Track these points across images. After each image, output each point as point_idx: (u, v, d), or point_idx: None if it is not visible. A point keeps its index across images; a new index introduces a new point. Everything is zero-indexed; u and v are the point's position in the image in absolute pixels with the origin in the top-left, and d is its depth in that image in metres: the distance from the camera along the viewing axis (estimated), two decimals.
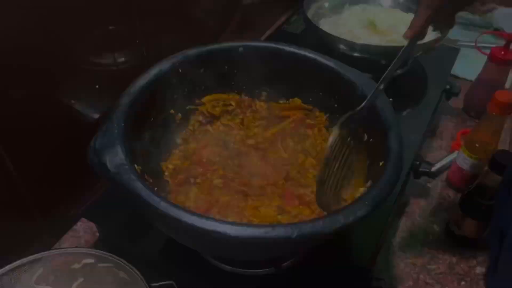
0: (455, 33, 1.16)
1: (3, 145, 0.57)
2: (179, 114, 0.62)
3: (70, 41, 0.62)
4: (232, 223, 0.41)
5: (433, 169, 0.79)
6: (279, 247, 0.43)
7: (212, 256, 0.56)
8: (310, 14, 0.94)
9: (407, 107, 0.89)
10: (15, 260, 0.54)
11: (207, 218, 0.41)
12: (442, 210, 0.77)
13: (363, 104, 0.54)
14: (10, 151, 0.58)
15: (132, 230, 0.63)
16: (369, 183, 0.51)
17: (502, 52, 0.86)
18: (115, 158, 0.45)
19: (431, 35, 0.90)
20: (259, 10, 1.15)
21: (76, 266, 0.53)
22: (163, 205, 0.41)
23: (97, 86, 0.68)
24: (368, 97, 0.54)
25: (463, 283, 0.66)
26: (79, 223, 0.73)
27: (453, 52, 0.99)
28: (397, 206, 0.74)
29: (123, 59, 0.73)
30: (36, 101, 0.59)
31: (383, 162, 0.49)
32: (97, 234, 0.71)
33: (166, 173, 0.58)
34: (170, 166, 0.58)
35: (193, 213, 0.41)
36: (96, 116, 0.70)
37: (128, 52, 0.74)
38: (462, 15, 1.23)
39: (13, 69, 0.54)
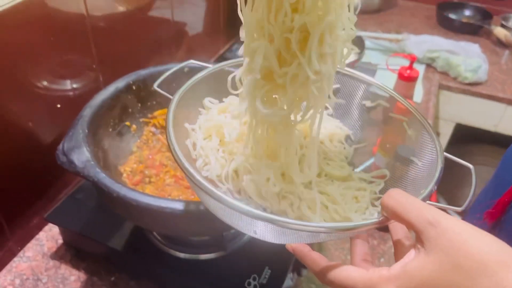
0: (376, 58, 1.35)
1: None
2: (134, 125, 0.72)
3: (28, 68, 0.71)
4: (181, 200, 0.51)
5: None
6: None
7: (165, 233, 0.65)
8: None
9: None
10: None
11: (160, 197, 0.51)
12: None
13: None
14: None
15: (93, 230, 0.70)
16: None
17: (408, 71, 1.03)
18: (82, 156, 0.54)
19: (351, 57, 1.06)
20: (203, 41, 1.28)
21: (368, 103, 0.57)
22: (124, 190, 0.51)
23: (58, 105, 0.77)
24: None
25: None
26: (41, 232, 0.79)
27: (370, 72, 1.16)
28: None
29: (79, 84, 0.83)
30: None
31: None
32: (59, 241, 0.77)
33: (124, 175, 0.66)
34: (127, 169, 0.67)
35: (148, 195, 0.51)
36: (53, 135, 0.78)
37: (85, 77, 0.83)
38: (381, 43, 1.42)
39: None
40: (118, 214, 0.72)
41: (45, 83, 0.74)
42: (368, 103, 0.54)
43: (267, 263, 0.65)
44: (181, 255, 0.67)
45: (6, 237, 0.74)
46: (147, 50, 1.01)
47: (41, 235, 0.79)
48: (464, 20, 1.60)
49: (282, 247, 0.62)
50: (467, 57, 1.32)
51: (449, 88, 1.32)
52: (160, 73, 0.73)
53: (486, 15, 1.58)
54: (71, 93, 0.81)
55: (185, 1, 1.13)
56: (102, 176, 0.52)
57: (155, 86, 0.56)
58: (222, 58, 1.29)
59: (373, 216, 0.45)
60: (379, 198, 0.48)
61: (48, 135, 0.78)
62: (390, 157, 0.86)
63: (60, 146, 0.57)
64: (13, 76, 0.67)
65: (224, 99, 0.54)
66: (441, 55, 1.32)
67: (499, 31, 1.48)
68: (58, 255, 0.75)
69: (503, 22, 1.52)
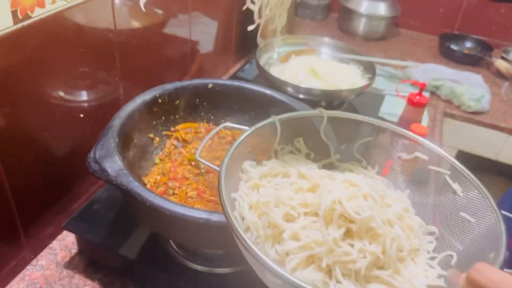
0: (382, 84, 1.38)
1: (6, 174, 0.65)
2: (157, 138, 0.73)
3: (54, 79, 0.72)
4: (215, 212, 0.52)
5: None
6: None
7: (193, 245, 0.65)
8: (261, 62, 1.11)
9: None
10: None
11: (193, 208, 0.51)
12: None
13: None
14: (9, 176, 0.66)
15: (110, 240, 0.70)
16: None
17: (417, 97, 1.06)
18: (114, 165, 0.55)
19: (361, 81, 1.09)
20: (214, 60, 1.31)
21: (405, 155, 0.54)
22: (157, 199, 0.51)
23: (81, 115, 0.78)
24: None
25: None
26: (55, 241, 0.79)
27: (380, 97, 1.19)
28: None
29: (101, 95, 0.84)
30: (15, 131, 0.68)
31: None
32: (73, 251, 0.77)
33: (148, 186, 0.67)
34: (151, 180, 0.68)
35: (181, 205, 0.52)
36: (69, 146, 0.79)
37: (107, 89, 0.84)
38: (387, 69, 1.46)
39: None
40: (136, 226, 0.72)
41: (68, 93, 0.75)
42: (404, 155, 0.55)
43: None
44: (198, 267, 0.67)
45: (22, 246, 0.74)
46: (163, 65, 1.03)
47: (55, 244, 0.78)
48: (466, 52, 1.65)
49: None
50: (471, 86, 1.36)
51: (452, 116, 1.35)
52: (185, 88, 0.75)
53: (487, 48, 1.64)
54: (91, 103, 0.82)
55: (200, 21, 1.16)
56: (135, 185, 0.53)
57: (196, 156, 0.57)
58: (234, 77, 1.31)
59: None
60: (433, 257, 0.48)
61: (65, 144, 0.79)
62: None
63: (91, 154, 0.57)
64: (38, 85, 0.68)
65: (263, 161, 0.53)
66: (446, 83, 1.36)
67: (500, 63, 1.53)
68: (72, 265, 0.75)
69: (504, 55, 1.57)
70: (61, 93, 0.73)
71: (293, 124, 0.53)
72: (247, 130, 0.50)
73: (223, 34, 1.32)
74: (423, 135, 0.84)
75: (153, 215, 0.55)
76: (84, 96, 0.80)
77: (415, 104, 1.06)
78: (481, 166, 1.60)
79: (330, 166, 0.56)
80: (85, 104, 0.81)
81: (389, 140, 0.55)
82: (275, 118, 0.51)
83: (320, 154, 0.56)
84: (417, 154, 0.53)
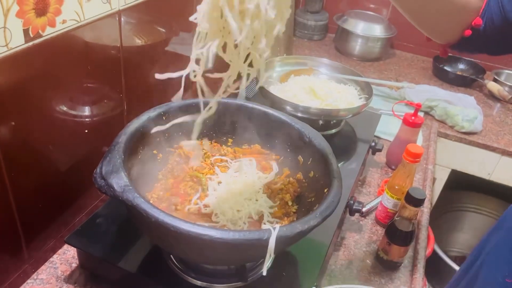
0: (377, 103, 1.41)
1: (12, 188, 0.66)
2: (160, 154, 0.74)
3: (60, 95, 0.74)
4: (219, 229, 0.53)
5: (364, 209, 0.96)
6: (254, 247, 0.55)
7: (194, 260, 0.66)
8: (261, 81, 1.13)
9: (342, 159, 1.07)
10: None
11: (199, 224, 0.53)
12: (372, 242, 0.93)
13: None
14: (15, 189, 0.67)
15: (112, 254, 0.71)
16: (317, 207, 0.66)
17: (413, 117, 1.08)
18: (120, 181, 0.56)
19: (358, 101, 1.12)
20: (215, 79, 1.33)
21: None
22: (162, 215, 0.53)
23: (86, 131, 0.79)
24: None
25: None
26: (55, 255, 0.79)
27: (376, 116, 1.22)
28: (336, 238, 0.89)
29: (104, 110, 0.85)
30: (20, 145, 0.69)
31: (327, 189, 0.64)
32: (73, 265, 0.78)
33: (151, 201, 0.68)
34: (154, 196, 0.69)
35: (186, 221, 0.53)
36: (72, 160, 0.80)
37: (111, 105, 0.86)
38: (383, 90, 1.49)
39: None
40: (137, 240, 0.73)
41: (73, 109, 0.77)
42: None
43: None
44: (198, 282, 0.68)
45: (23, 259, 0.75)
46: (166, 81, 1.05)
47: (55, 258, 0.79)
48: (459, 73, 1.69)
49: (297, 284, 0.65)
50: (464, 107, 1.40)
51: (446, 136, 1.38)
52: (188, 106, 0.76)
53: (479, 70, 1.68)
54: (95, 118, 0.84)
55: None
56: (141, 201, 0.54)
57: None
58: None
59: None
60: None
61: (69, 159, 0.80)
62: (399, 199, 0.90)
63: (98, 170, 0.59)
64: (45, 101, 0.70)
65: None
66: (440, 104, 1.40)
67: (492, 85, 1.57)
68: (72, 279, 0.75)
69: (496, 77, 1.62)
70: (67, 109, 0.75)
71: None
72: None
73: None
74: (419, 155, 0.87)
75: (158, 231, 0.56)
76: (88, 111, 0.82)
77: (411, 124, 1.08)
78: (474, 185, 1.63)
79: None
80: (90, 119, 0.83)
81: None
82: None
83: None
84: None
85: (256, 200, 0.70)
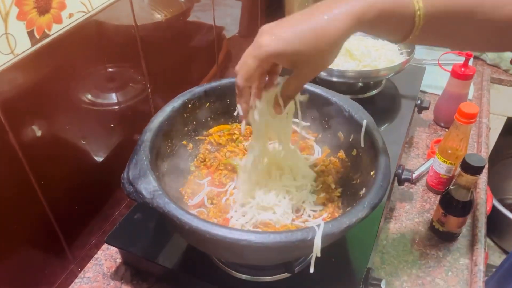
0: (420, 53, 1.29)
1: (42, 192, 0.64)
2: (190, 144, 0.70)
3: (82, 86, 0.70)
4: (256, 232, 0.49)
5: (414, 175, 0.89)
6: (298, 249, 0.51)
7: (236, 263, 0.63)
8: None
9: (385, 122, 0.99)
10: None
11: (233, 229, 0.49)
12: (425, 211, 0.86)
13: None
14: (45, 194, 0.65)
15: (152, 251, 0.69)
16: (363, 191, 0.60)
17: (462, 68, 0.98)
18: (149, 186, 0.53)
19: (399, 57, 1.02)
20: (241, 45, 1.26)
21: None
22: (196, 221, 0.49)
23: (110, 120, 0.76)
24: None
25: (450, 273, 0.75)
26: (99, 252, 0.79)
27: (420, 70, 1.11)
28: (385, 211, 0.83)
29: (129, 96, 0.81)
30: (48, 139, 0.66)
31: (373, 171, 0.58)
32: (118, 260, 0.77)
33: (185, 197, 0.65)
34: (189, 191, 0.66)
35: (222, 226, 0.49)
36: (105, 152, 0.78)
37: (134, 90, 0.82)
38: None
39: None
40: (176, 235, 0.71)
41: (96, 98, 0.73)
42: None
43: (335, 284, 0.63)
44: (243, 276, 0.65)
45: (67, 259, 0.74)
46: (189, 56, 0.99)
47: (99, 254, 0.78)
48: None
49: (349, 269, 0.60)
50: None
51: (500, 82, 1.26)
52: (214, 89, 0.71)
53: None
54: (120, 106, 0.80)
55: (223, 3, 1.10)
56: (172, 207, 0.50)
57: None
58: None
59: None
60: None
61: (100, 151, 0.77)
62: (452, 164, 0.82)
63: (125, 175, 0.55)
64: (65, 96, 0.66)
65: None
66: None
67: None
68: (118, 275, 0.75)
69: None
70: (92, 100, 0.71)
71: None
72: None
73: (249, 14, 1.25)
74: (474, 115, 0.78)
75: (194, 237, 0.53)
76: (113, 99, 0.78)
77: (461, 77, 0.98)
78: None
79: None
80: (115, 107, 0.79)
81: None
82: None
83: None
84: None
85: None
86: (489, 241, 1.52)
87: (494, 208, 1.36)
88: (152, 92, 0.85)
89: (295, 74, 0.51)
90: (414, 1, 0.46)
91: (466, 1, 0.47)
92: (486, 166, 0.96)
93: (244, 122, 0.56)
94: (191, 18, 0.96)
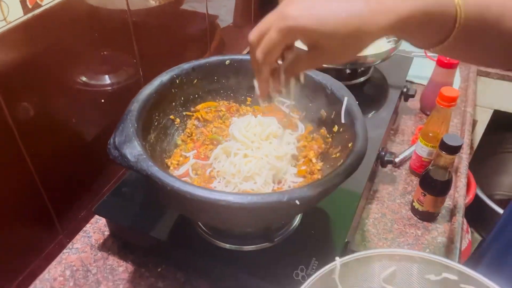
0: (408, 45, 1.31)
1: (33, 163, 0.66)
2: (178, 119, 0.72)
3: (73, 65, 0.72)
4: (235, 193, 0.51)
5: (397, 159, 0.91)
6: (274, 210, 0.53)
7: (216, 226, 0.65)
8: None
9: (373, 109, 1.01)
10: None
11: (213, 190, 0.51)
12: (406, 193, 0.89)
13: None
14: (36, 165, 0.67)
15: (139, 222, 0.72)
16: (341, 162, 0.62)
17: (447, 58, 1.00)
18: (134, 150, 0.55)
19: (386, 45, 1.04)
20: (234, 34, 1.28)
21: (433, 277, 0.49)
22: (178, 183, 0.51)
23: (102, 100, 0.78)
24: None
25: (427, 250, 0.78)
26: (88, 225, 0.81)
27: (407, 60, 1.14)
28: (368, 191, 0.86)
29: (121, 78, 0.84)
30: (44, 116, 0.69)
31: (352, 143, 0.61)
32: (106, 233, 0.79)
33: (171, 168, 0.67)
34: (174, 162, 0.68)
35: (202, 188, 0.51)
36: (96, 130, 0.80)
37: (126, 72, 0.84)
38: None
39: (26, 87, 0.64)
40: (164, 207, 0.73)
41: (89, 79, 0.76)
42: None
43: (314, 254, 0.65)
44: (227, 246, 0.68)
45: (57, 231, 0.77)
46: (181, 43, 1.02)
47: (88, 227, 0.81)
48: None
49: (329, 241, 0.62)
50: None
51: (487, 74, 1.28)
52: (202, 66, 0.73)
53: None
54: (113, 87, 0.83)
55: None
56: (155, 170, 0.52)
57: None
58: None
59: None
60: None
61: (91, 129, 0.80)
62: (434, 147, 0.84)
63: (111, 141, 0.57)
64: (58, 73, 0.68)
65: None
66: None
67: None
68: (106, 247, 0.77)
69: None
70: (81, 79, 0.74)
71: (316, 285, 0.47)
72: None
73: (242, 4, 1.28)
74: (454, 99, 0.80)
75: (176, 199, 0.55)
76: (105, 80, 0.80)
77: (446, 65, 1.00)
78: None
79: None
80: (107, 88, 0.81)
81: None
82: (338, 261, 0.47)
83: None
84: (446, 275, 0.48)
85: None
86: (476, 235, 1.55)
87: (478, 198, 1.39)
88: (144, 76, 0.87)
89: (312, 55, 0.44)
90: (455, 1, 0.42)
91: (494, 8, 0.44)
92: (468, 151, 0.98)
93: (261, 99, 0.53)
94: (185, 6, 0.99)
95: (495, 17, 0.45)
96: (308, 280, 0.45)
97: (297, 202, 0.50)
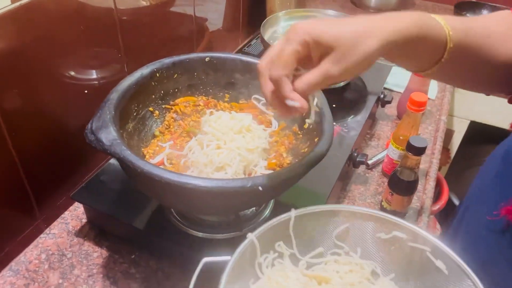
0: None
1: (15, 149, 0.69)
2: (157, 111, 0.75)
3: (59, 58, 0.75)
4: (203, 178, 0.54)
5: (370, 161, 0.95)
6: (239, 195, 0.56)
7: (185, 210, 0.69)
8: (266, 36, 1.11)
9: (351, 114, 1.05)
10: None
11: (182, 174, 0.54)
12: (378, 194, 0.92)
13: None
14: (19, 151, 0.70)
15: (115, 209, 0.74)
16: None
17: None
18: (109, 135, 0.58)
19: None
20: (222, 37, 1.32)
21: (383, 235, 0.52)
22: (148, 166, 0.54)
23: (85, 91, 0.81)
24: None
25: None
26: (67, 212, 0.83)
27: (386, 68, 1.18)
28: (338, 190, 0.89)
29: (106, 73, 0.87)
30: (31, 107, 0.71)
31: (317, 138, 0.64)
32: (83, 221, 0.82)
33: (147, 156, 0.70)
34: (150, 151, 0.71)
35: (171, 171, 0.54)
36: (79, 121, 0.83)
37: (111, 67, 0.87)
38: None
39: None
40: (140, 195, 0.76)
41: (74, 72, 0.79)
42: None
43: None
44: (200, 234, 0.71)
45: (35, 216, 0.79)
46: (169, 43, 1.05)
47: (67, 214, 0.83)
48: None
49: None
50: None
51: None
52: (182, 62, 0.76)
53: None
54: (98, 81, 0.86)
55: None
56: (127, 154, 0.55)
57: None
58: (240, 52, 1.32)
59: None
60: None
61: (75, 120, 0.82)
62: (404, 149, 0.88)
63: (89, 126, 0.60)
64: (45, 65, 0.71)
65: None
66: None
67: None
68: (82, 233, 0.79)
69: None
70: (69, 72, 0.77)
71: (270, 232, 0.50)
72: (228, 262, 0.47)
73: (231, 10, 1.32)
74: (423, 104, 0.84)
75: (147, 183, 0.58)
76: (90, 74, 0.84)
77: (420, 74, 1.04)
78: (495, 137, 1.57)
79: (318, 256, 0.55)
80: (91, 82, 0.84)
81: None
82: (251, 236, 0.49)
83: (305, 247, 0.54)
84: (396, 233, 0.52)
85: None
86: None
87: (451, 202, 1.43)
88: (129, 72, 0.90)
89: (323, 64, 0.44)
90: (443, 25, 0.48)
91: (477, 33, 0.50)
92: (439, 156, 1.02)
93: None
94: (175, 8, 1.03)
95: (480, 43, 0.50)
96: (262, 227, 0.48)
97: (260, 188, 0.54)
